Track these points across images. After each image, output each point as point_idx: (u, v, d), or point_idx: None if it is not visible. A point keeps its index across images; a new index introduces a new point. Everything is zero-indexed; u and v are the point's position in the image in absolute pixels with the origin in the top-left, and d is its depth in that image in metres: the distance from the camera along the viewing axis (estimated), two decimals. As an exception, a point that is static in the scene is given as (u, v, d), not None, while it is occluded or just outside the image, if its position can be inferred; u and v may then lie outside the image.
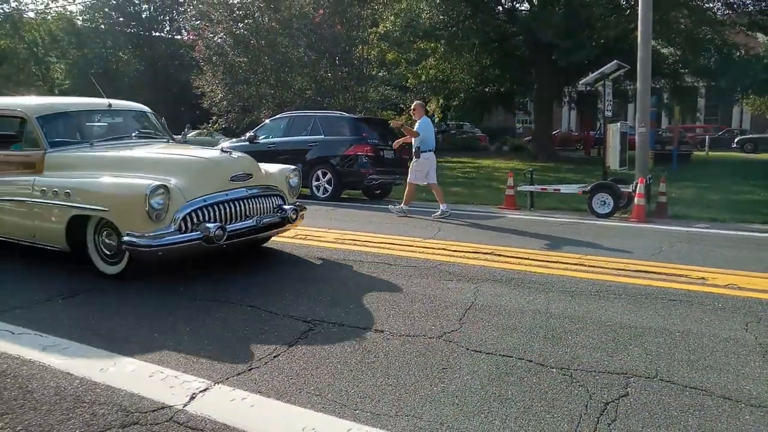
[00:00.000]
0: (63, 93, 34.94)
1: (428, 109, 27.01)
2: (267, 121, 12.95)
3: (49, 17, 35.80)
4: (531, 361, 3.14)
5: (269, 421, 2.49)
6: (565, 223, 8.24)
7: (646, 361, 3.16)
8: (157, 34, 38.47)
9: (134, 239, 4.30)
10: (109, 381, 2.85)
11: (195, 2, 25.05)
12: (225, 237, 4.51)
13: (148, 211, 4.25)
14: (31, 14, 36.41)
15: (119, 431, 2.40)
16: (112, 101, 6.01)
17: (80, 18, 36.72)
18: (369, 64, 22.82)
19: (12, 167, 5.31)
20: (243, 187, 4.97)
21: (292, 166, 5.78)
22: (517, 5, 23.46)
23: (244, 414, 2.55)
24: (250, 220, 4.92)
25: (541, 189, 10.05)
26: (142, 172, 4.70)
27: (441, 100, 25.45)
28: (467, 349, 3.29)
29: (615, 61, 9.57)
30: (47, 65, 35.74)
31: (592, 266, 5.26)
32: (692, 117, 28.93)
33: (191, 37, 26.83)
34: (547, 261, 5.50)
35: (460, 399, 2.70)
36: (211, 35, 22.80)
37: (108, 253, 4.72)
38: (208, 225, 4.46)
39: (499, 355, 3.22)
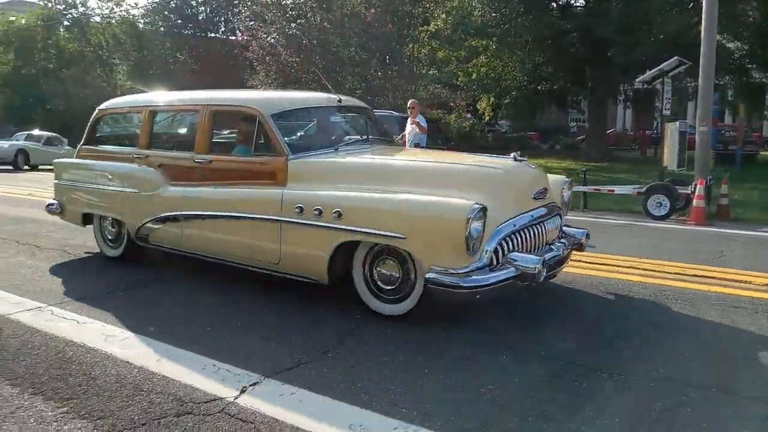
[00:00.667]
0: (124, 94, 36.45)
1: (479, 107, 26.76)
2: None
3: (113, 21, 37.35)
4: (582, 365, 3.07)
5: (317, 417, 2.53)
6: (619, 224, 8.01)
7: (705, 370, 3.04)
8: (213, 35, 39.54)
9: (441, 276, 3.32)
10: (165, 371, 2.96)
11: (249, 3, 25.63)
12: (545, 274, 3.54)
13: (467, 239, 3.28)
14: (97, 19, 38.08)
15: (174, 420, 2.49)
16: (342, 96, 5.09)
17: (142, 21, 38.18)
18: (419, 62, 22.78)
19: (243, 176, 4.28)
20: (542, 206, 3.99)
21: (566, 177, 4.70)
22: (572, 1, 22.91)
23: (292, 408, 2.60)
24: (555, 249, 3.94)
25: (595, 189, 9.79)
26: (426, 186, 3.68)
27: (492, 99, 25.13)
28: (516, 352, 3.25)
29: (676, 57, 9.22)
30: (111, 67, 37.30)
31: (646, 270, 5.09)
32: (760, 115, 27.48)
33: (245, 37, 27.47)
34: (600, 264, 5.36)
35: (508, 401, 2.67)
36: (265, 35, 23.27)
37: (387, 288, 3.74)
38: (526, 258, 3.49)
39: (550, 358, 3.17)
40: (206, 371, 2.98)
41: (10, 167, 18.21)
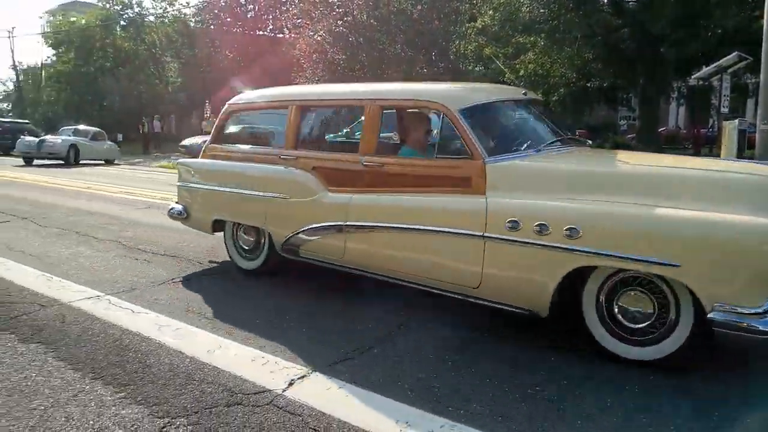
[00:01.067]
0: (175, 91, 37.59)
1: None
2: (363, 117, 13.19)
3: (166, 20, 38.54)
4: (628, 369, 3.00)
5: (363, 412, 2.55)
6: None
7: (757, 378, 2.92)
8: (261, 33, 40.23)
9: (730, 317, 2.65)
10: (215, 362, 3.04)
11: (297, 1, 25.98)
12: None
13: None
14: (151, 18, 39.36)
15: (224, 409, 2.56)
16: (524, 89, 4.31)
17: (193, 20, 39.22)
18: (465, 59, 22.61)
19: (426, 183, 3.66)
20: None
21: None
22: (624, -4, 22.27)
23: (339, 403, 2.63)
24: None
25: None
26: (687, 200, 2.93)
27: (540, 96, 24.67)
28: (562, 350, 3.19)
29: (736, 52, 8.85)
30: (163, 65, 38.48)
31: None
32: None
33: (293, 35, 27.87)
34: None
35: (556, 403, 2.63)
36: (312, 33, 23.55)
37: (632, 326, 3.02)
38: None
39: (595, 358, 3.10)
40: (255, 363, 3.05)
41: (63, 162, 18.89)
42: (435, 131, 3.70)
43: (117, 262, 5.17)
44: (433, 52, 21.54)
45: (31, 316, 3.71)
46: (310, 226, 4.12)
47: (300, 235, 4.20)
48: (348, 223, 3.91)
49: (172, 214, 5.22)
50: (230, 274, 4.87)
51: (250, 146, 4.87)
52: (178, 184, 5.21)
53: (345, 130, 4.98)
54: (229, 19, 39.06)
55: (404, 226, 3.62)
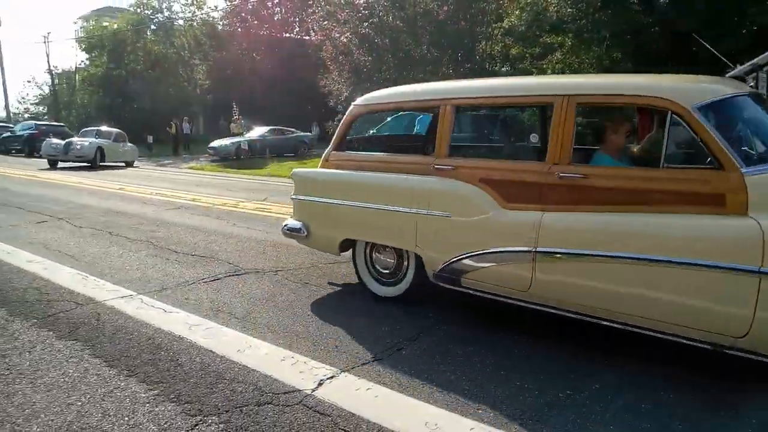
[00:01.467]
0: (203, 93, 38.15)
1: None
2: (389, 119, 13.22)
3: (194, 24, 39.16)
4: (668, 377, 2.94)
5: (392, 413, 2.56)
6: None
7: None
8: (287, 35, 40.57)
9: None
10: (245, 362, 3.08)
11: (323, 3, 26.14)
12: None
13: None
14: (180, 22, 40.03)
15: (255, 408, 2.59)
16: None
17: (221, 23, 39.75)
18: (492, 59, 22.47)
19: (648, 200, 2.95)
20: None
21: None
22: (654, -7, 21.86)
23: (368, 404, 2.64)
24: None
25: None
26: None
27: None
28: (592, 356, 3.15)
29: (771, 50, 8.61)
30: (191, 68, 39.07)
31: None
32: None
33: (319, 37, 28.03)
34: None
35: (587, 408, 2.60)
36: (338, 35, 23.67)
37: None
38: None
39: (629, 366, 3.05)
40: (284, 363, 3.07)
41: (89, 164, 18.83)
42: (666, 135, 2.97)
43: (149, 262, 5.27)
44: (459, 52, 21.44)
45: (67, 314, 3.81)
46: (481, 251, 3.43)
47: (465, 261, 3.51)
48: (540, 249, 3.19)
49: (287, 232, 4.57)
50: (259, 274, 4.92)
51: (388, 153, 4.30)
52: (293, 197, 4.56)
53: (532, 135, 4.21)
54: (256, 22, 39.52)
55: (628, 255, 2.90)
